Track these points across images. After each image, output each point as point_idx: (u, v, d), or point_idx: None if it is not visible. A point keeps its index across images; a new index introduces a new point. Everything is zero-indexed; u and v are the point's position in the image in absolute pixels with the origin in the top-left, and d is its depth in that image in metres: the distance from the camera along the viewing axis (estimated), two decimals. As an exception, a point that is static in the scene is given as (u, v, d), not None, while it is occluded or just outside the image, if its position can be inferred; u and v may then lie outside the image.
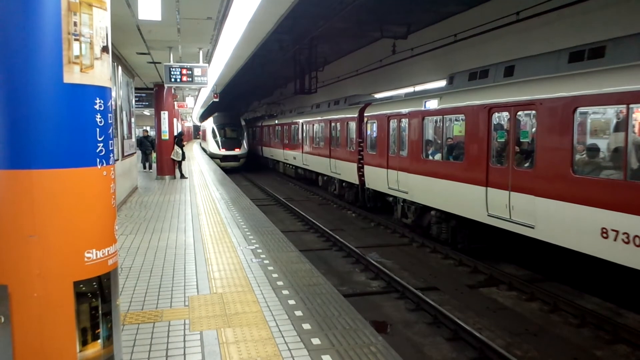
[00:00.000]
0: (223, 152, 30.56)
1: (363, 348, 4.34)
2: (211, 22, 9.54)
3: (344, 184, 17.77)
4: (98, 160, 2.84)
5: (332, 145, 18.62)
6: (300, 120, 23.63)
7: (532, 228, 8.08)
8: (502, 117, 9.20)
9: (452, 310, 7.61)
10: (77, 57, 2.71)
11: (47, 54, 2.63)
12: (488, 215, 9.18)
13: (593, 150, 7.45)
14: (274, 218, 14.00)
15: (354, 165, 16.06)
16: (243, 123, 33.41)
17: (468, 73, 10.74)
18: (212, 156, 31.45)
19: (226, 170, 25.42)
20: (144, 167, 22.50)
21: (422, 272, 9.85)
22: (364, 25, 16.73)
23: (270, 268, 6.78)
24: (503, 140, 9.06)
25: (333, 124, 18.59)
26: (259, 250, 7.77)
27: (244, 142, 31.60)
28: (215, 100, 25.82)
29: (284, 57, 21.91)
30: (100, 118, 2.85)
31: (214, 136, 31.31)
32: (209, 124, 33.30)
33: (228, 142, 30.96)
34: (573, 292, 8.48)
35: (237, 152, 30.83)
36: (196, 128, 67.07)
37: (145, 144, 22.46)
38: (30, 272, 2.68)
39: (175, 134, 19.72)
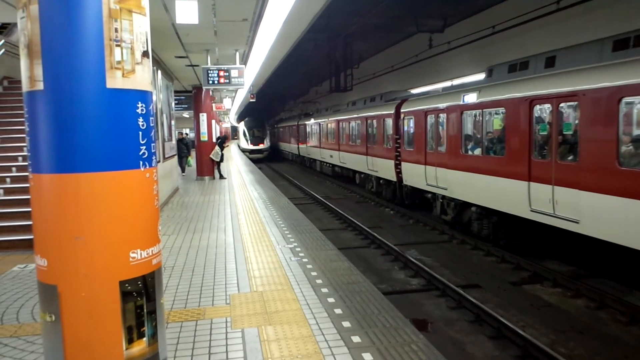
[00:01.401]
0: (251, 146, 42.42)
1: (404, 346, 4.32)
2: (247, 24, 9.64)
3: (381, 181, 17.67)
4: (141, 162, 2.91)
5: (369, 143, 18.53)
6: (336, 118, 23.62)
7: (577, 223, 7.85)
8: (544, 110, 8.96)
9: (494, 308, 7.47)
10: (118, 62, 2.78)
11: (90, 61, 2.71)
12: (531, 211, 8.96)
13: (640, 141, 7.18)
14: (311, 216, 14.04)
15: (391, 162, 15.94)
16: (266, 126, 45.24)
17: (508, 65, 10.50)
18: (243, 150, 43.21)
19: (254, 161, 35.47)
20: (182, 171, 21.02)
21: (463, 270, 9.70)
22: (399, 20, 16.58)
23: (309, 266, 6.81)
24: (545, 133, 8.82)
25: (369, 121, 18.50)
26: (298, 249, 7.81)
27: (267, 139, 43.31)
28: (252, 100, 26.10)
29: (318, 56, 21.91)
30: (142, 121, 2.92)
31: (245, 135, 43.31)
32: (241, 127, 45.47)
33: (255, 139, 42.70)
34: (621, 288, 8.20)
35: (261, 146, 42.67)
36: (234, 129, 68.23)
37: (181, 147, 20.68)
38: (78, 273, 2.77)
39: (219, 136, 19.85)
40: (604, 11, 10.41)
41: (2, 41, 12.72)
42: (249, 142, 42.60)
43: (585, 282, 8.33)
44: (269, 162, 41.11)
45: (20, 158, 9.94)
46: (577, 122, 8.09)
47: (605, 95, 7.36)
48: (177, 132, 24.21)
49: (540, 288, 8.55)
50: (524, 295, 8.27)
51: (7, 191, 9.31)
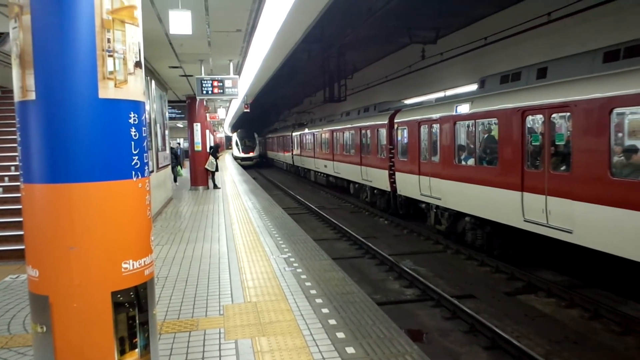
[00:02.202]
0: (242, 154, 48.43)
1: (398, 357, 4.30)
2: (240, 34, 9.68)
3: (375, 191, 17.68)
4: (133, 172, 2.91)
5: (363, 153, 18.57)
6: (330, 129, 23.67)
7: (570, 233, 7.88)
8: (536, 120, 9.02)
9: (489, 318, 7.46)
10: (111, 72, 2.78)
11: (82, 71, 2.71)
12: (524, 221, 8.99)
13: (631, 151, 7.23)
14: (306, 226, 14.02)
15: (385, 172, 15.97)
16: (256, 136, 50.32)
17: (500, 76, 10.58)
18: (235, 157, 49.12)
19: (244, 167, 40.15)
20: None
21: (457, 280, 9.70)
22: (393, 32, 16.69)
23: (303, 276, 6.79)
24: (538, 143, 8.87)
25: (363, 132, 18.55)
26: (292, 259, 7.79)
27: (256, 148, 49.34)
28: (246, 110, 26.14)
29: (312, 66, 22.00)
30: (134, 132, 2.91)
31: (237, 145, 49.22)
32: (234, 137, 51.24)
33: (246, 148, 48.75)
34: (615, 298, 8.21)
35: (251, 154, 48.77)
36: (228, 139, 68.65)
37: (170, 157, 19.04)
38: (71, 283, 2.75)
39: (212, 145, 19.72)
40: (594, 23, 10.53)
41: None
42: (241, 150, 48.71)
43: (580, 292, 8.34)
44: (264, 172, 41.82)
45: (12, 168, 9.89)
46: (569, 132, 8.15)
47: (596, 106, 7.42)
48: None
49: (535, 298, 8.55)
50: (519, 306, 8.27)
51: (0, 201, 9.25)
